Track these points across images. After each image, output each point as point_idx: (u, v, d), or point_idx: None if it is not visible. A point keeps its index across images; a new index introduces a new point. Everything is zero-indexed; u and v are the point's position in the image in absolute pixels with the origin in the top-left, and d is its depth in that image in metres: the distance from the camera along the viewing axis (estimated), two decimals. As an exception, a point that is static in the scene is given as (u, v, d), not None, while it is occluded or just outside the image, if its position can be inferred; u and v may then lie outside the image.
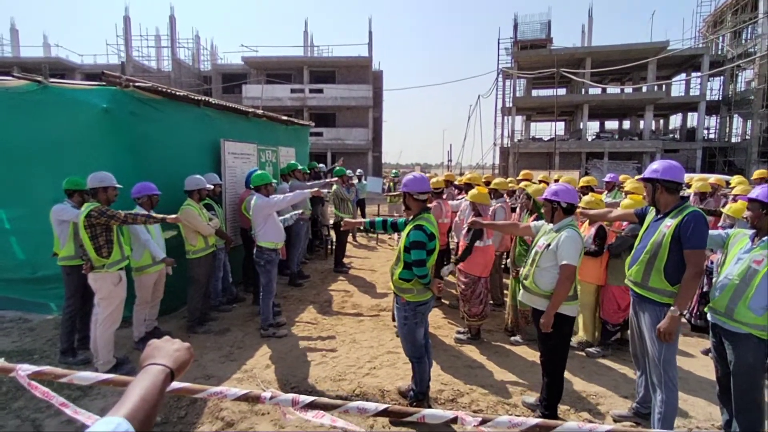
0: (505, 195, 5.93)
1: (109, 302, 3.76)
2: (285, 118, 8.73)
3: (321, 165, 9.69)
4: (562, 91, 32.31)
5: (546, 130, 38.63)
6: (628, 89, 30.47)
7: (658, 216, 2.95)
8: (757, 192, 2.71)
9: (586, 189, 6.03)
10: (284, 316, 5.33)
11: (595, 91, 30.09)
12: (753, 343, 2.61)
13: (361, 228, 6.70)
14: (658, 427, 2.85)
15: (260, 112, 7.50)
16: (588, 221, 4.34)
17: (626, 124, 34.50)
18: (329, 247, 8.85)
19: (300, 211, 5.83)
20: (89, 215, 3.58)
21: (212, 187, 5.14)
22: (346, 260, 8.14)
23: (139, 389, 0.79)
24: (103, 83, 4.71)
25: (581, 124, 28.84)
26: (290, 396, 1.93)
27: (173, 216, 3.97)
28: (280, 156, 8.08)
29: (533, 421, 1.76)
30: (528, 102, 31.09)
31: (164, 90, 5.16)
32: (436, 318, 5.38)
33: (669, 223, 2.81)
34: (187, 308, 4.91)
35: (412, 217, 3.33)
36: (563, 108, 31.74)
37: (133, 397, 0.77)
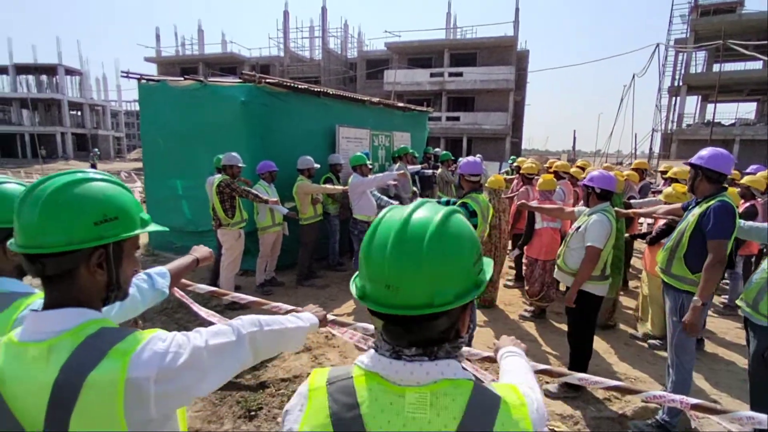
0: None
1: (231, 252, 5.00)
2: (401, 104, 9.44)
3: (437, 149, 10.26)
4: (757, 65, 25.59)
5: (730, 112, 31.71)
6: None
7: (693, 204, 2.92)
8: None
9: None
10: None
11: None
12: None
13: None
14: (666, 409, 2.85)
15: (376, 99, 8.30)
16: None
17: None
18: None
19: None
20: (219, 185, 4.82)
21: (318, 166, 6.00)
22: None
23: (179, 262, 1.64)
24: (242, 80, 5.94)
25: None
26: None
27: (274, 199, 5.08)
28: (395, 140, 8.83)
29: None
30: (707, 79, 25.22)
31: (289, 84, 6.25)
32: (511, 297, 5.66)
33: (695, 212, 2.81)
34: (298, 265, 6.00)
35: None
36: (756, 86, 25.24)
37: (175, 264, 1.60)
